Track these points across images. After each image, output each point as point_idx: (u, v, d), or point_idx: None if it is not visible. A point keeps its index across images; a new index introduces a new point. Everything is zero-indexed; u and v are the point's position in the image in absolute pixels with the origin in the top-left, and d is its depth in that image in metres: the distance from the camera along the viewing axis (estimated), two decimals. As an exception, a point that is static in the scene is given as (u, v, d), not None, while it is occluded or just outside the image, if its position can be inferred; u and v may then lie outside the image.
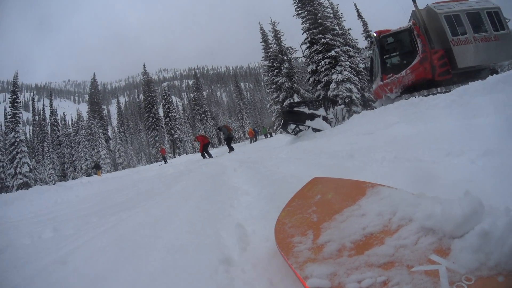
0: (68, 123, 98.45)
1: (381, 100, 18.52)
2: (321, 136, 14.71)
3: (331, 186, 3.84)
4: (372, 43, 18.45)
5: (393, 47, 17.74)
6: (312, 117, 18.16)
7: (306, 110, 18.49)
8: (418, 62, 16.05)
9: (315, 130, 17.60)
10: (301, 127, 18.27)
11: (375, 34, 17.95)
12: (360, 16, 51.70)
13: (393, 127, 8.73)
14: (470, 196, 2.11)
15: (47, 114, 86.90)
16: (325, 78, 37.46)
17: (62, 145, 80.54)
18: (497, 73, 13.30)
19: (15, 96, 54.46)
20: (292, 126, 18.44)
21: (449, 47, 15.52)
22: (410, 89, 16.32)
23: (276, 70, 45.73)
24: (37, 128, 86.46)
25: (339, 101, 26.05)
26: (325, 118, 18.75)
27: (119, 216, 5.60)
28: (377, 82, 18.31)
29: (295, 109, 18.92)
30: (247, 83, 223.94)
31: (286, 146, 15.89)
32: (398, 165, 5.05)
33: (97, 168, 51.45)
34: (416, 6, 16.75)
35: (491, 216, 2.00)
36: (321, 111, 18.96)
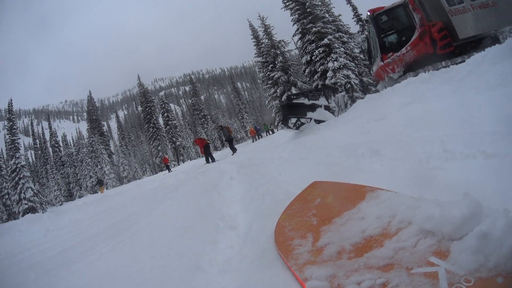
0: (70, 143, 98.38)
1: (384, 82, 17.47)
2: (326, 128, 13.77)
3: (331, 190, 3.90)
4: (367, 22, 17.58)
5: (389, 25, 16.87)
6: (313, 108, 17.25)
7: (306, 101, 17.54)
8: (417, 37, 15.17)
9: (318, 121, 16.68)
10: (302, 120, 17.36)
11: (368, 13, 16.98)
12: (349, 1, 50.46)
13: (407, 109, 7.80)
14: (469, 198, 2.15)
15: (47, 136, 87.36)
16: (321, 67, 36.85)
17: (65, 165, 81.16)
18: (498, 40, 12.77)
19: (11, 122, 54.33)
20: (293, 120, 17.50)
21: (447, 19, 14.67)
22: (413, 67, 15.44)
23: (271, 65, 45.01)
24: (39, 152, 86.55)
25: (339, 89, 25.13)
26: (327, 108, 17.79)
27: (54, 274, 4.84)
28: (377, 63, 17.31)
29: (294, 101, 17.90)
30: (243, 82, 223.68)
31: (289, 143, 14.97)
32: (466, 164, 3.72)
33: (100, 184, 50.97)
34: (407, -22, 15.89)
35: (490, 217, 2.02)
36: (322, 101, 18.00)
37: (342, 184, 3.89)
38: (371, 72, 20.73)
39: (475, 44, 14.23)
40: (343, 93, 20.67)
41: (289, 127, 18.13)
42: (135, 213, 9.13)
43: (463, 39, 14.44)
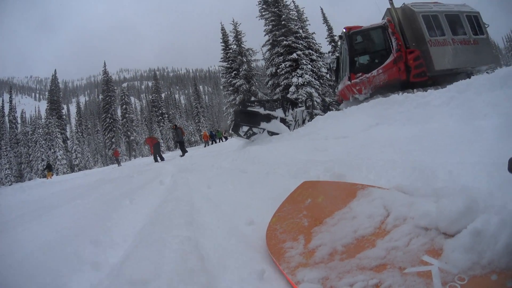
0: (27, 121, 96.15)
1: (348, 102, 16.65)
2: (279, 140, 12.99)
3: (321, 190, 3.74)
4: (341, 38, 16.76)
5: (364, 45, 16.29)
6: (268, 118, 16.19)
7: (261, 110, 16.42)
8: (391, 61, 14.67)
9: (272, 133, 15.74)
10: (254, 129, 16.26)
11: (344, 30, 16.24)
12: (325, 20, 50.96)
13: (373, 130, 6.88)
14: (465, 194, 2.17)
15: (6, 110, 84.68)
16: (284, 81, 36.78)
17: (19, 144, 78.61)
18: None
19: None
20: (245, 128, 16.29)
21: (425, 49, 14.49)
22: (382, 90, 14.75)
23: (234, 72, 44.66)
24: None
25: (299, 104, 24.13)
26: (283, 120, 16.75)
27: None
28: (344, 82, 16.52)
29: (249, 109, 16.77)
30: (206, 86, 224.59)
31: (234, 152, 13.90)
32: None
33: (48, 168, 48.24)
34: (391, 3, 15.63)
35: (484, 214, 1.97)
36: (278, 112, 16.92)
37: (333, 183, 3.86)
38: (336, 91, 19.89)
39: (449, 78, 13.70)
40: (303, 108, 19.37)
41: (239, 135, 16.84)
42: (32, 213, 6.99)
43: (439, 70, 14.26)
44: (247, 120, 16.21)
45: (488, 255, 1.73)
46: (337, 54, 19.47)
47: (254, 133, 16.27)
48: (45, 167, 54.15)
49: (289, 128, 16.66)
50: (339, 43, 17.95)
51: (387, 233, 2.42)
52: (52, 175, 47.90)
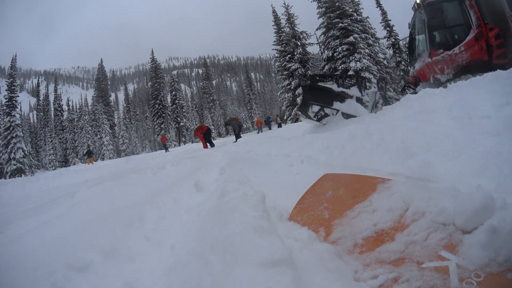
0: (75, 108, 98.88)
1: (425, 84, 14.88)
2: (374, 121, 8.83)
3: (342, 182, 3.72)
4: (419, 7, 15.03)
5: (441, 18, 14.49)
6: (342, 97, 13.42)
7: (334, 87, 13.56)
8: (473, 38, 13.00)
9: (347, 116, 13.06)
10: (326, 110, 13.37)
11: (418, 1, 14.71)
12: (379, 4, 48.72)
13: (507, 110, 5.26)
14: (482, 191, 2.10)
15: (52, 99, 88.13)
16: (342, 65, 35.84)
17: (65, 130, 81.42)
18: None
19: (12, 79, 54.57)
20: (315, 108, 13.37)
21: (506, 26, 12.45)
22: (465, 71, 13.04)
23: (289, 56, 44.15)
24: (41, 113, 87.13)
25: (371, 86, 21.69)
26: (359, 100, 14.08)
27: None
28: (424, 60, 14.79)
29: (320, 84, 13.76)
30: (257, 74, 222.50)
31: (311, 136, 10.93)
32: None
33: (88, 154, 48.53)
34: (463, -29, 13.83)
35: (501, 211, 1.96)
36: (353, 91, 14.04)
37: (353, 176, 3.90)
38: (412, 70, 17.73)
39: None
40: (375, 89, 16.84)
41: (308, 116, 13.78)
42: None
43: None
44: (318, 98, 13.47)
45: (504, 253, 1.76)
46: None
47: (326, 115, 13.48)
48: (85, 153, 54.70)
49: (366, 109, 14.06)
50: (416, 11, 15.78)
51: (406, 227, 2.43)
52: (95, 160, 50.11)
